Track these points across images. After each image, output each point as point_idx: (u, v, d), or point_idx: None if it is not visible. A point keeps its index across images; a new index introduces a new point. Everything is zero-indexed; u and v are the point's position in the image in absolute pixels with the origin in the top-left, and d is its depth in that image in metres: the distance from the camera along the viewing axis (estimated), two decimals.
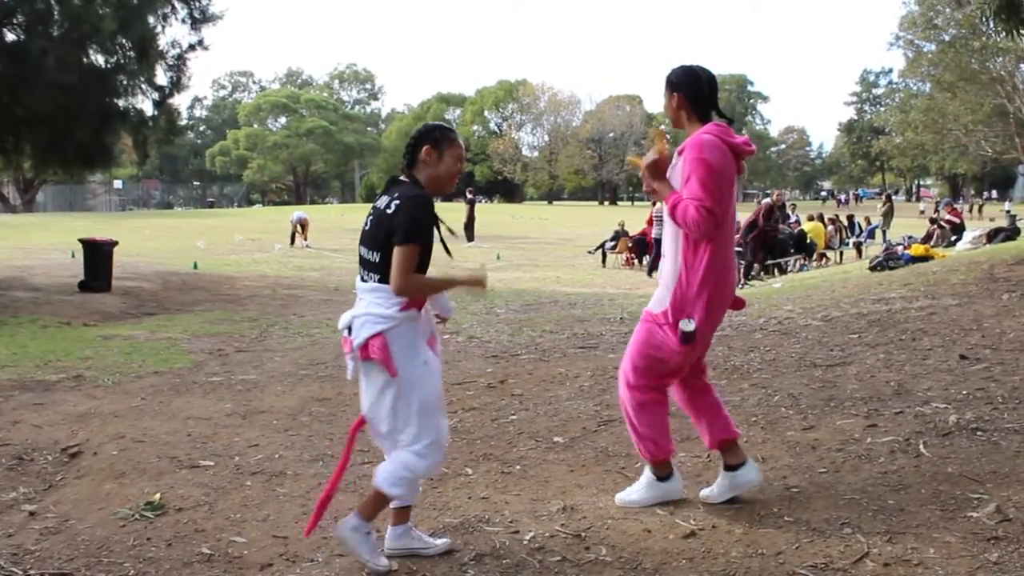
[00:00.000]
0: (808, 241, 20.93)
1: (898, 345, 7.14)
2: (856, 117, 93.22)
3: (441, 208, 3.52)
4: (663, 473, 4.06)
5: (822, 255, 22.03)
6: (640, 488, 4.10)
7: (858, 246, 23.75)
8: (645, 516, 3.94)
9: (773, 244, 19.13)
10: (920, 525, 3.64)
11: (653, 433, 3.97)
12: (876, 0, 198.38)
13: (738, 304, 4.05)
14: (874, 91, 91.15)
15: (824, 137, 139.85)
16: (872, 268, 14.20)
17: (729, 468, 4.00)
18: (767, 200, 20.82)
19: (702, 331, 3.78)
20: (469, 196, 31.29)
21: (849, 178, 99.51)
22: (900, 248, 16.69)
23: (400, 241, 3.32)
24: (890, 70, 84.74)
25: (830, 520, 3.75)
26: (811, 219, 22.79)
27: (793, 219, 23.53)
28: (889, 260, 14.30)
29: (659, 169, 3.86)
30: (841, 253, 23.15)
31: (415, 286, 3.39)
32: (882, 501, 3.90)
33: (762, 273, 18.66)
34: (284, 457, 5.09)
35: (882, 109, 77.74)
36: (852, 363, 6.66)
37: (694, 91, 3.85)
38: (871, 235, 25.34)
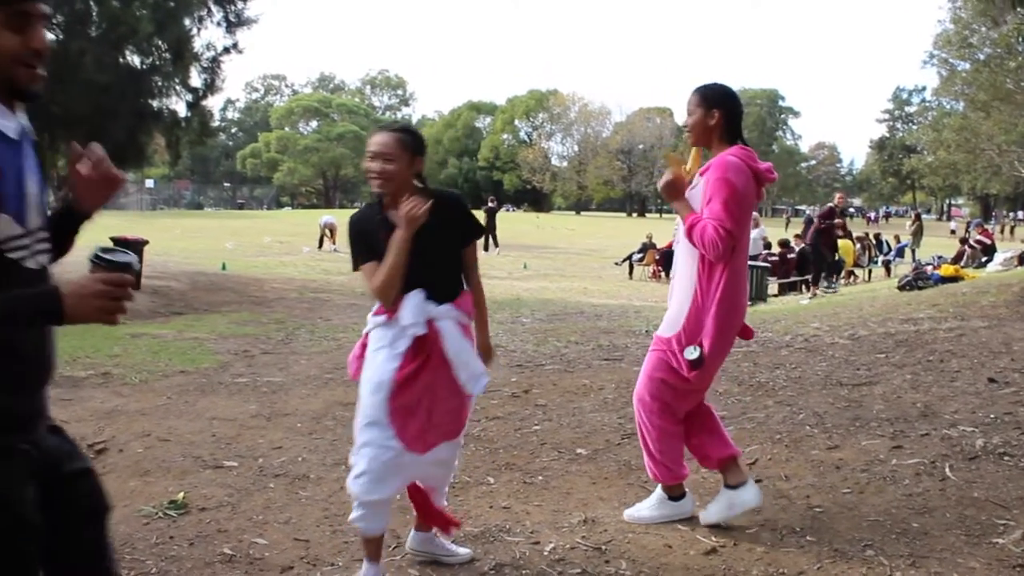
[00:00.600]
0: (837, 259, 20.82)
1: (925, 366, 7.08)
2: (888, 134, 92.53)
3: None
4: (675, 493, 4.05)
5: (850, 273, 21.90)
6: (651, 505, 4.08)
7: (887, 265, 23.60)
8: (666, 531, 3.93)
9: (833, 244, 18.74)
10: (944, 550, 3.61)
11: (667, 459, 3.94)
12: (910, 18, 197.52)
13: (747, 333, 3.99)
14: (906, 109, 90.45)
15: (855, 154, 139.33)
16: (901, 287, 14.11)
17: (730, 487, 3.96)
18: (828, 204, 20.46)
19: (712, 357, 3.75)
20: (491, 204, 31.33)
21: (880, 195, 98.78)
22: (929, 268, 16.57)
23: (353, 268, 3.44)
24: (923, 88, 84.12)
25: (853, 542, 3.72)
26: (840, 237, 22.64)
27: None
28: (918, 280, 14.20)
29: (677, 188, 3.83)
30: (870, 271, 23.01)
31: (377, 289, 3.28)
32: (906, 524, 3.87)
33: (832, 278, 18.41)
34: (307, 460, 5.11)
35: (914, 127, 77.17)
36: (878, 383, 6.61)
37: (734, 112, 3.83)
38: (900, 254, 25.18)
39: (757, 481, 4.50)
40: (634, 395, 4.06)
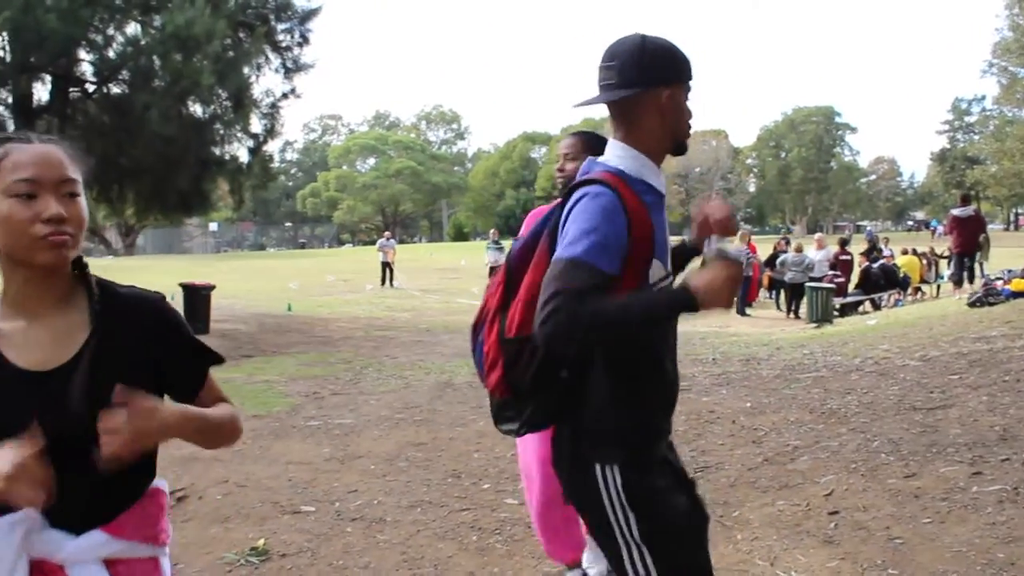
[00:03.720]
0: (902, 275, 20.54)
1: (1002, 387, 6.94)
2: (948, 146, 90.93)
3: None
4: None
5: (917, 289, 21.53)
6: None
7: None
8: (745, 565, 3.90)
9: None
10: None
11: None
12: (966, 27, 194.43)
13: None
14: (967, 119, 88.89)
15: (915, 167, 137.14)
16: (971, 304, 13.80)
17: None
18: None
19: None
20: None
21: (943, 208, 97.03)
22: (1000, 283, 16.20)
23: None
24: (983, 97, 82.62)
25: (936, 573, 3.67)
26: (905, 253, 22.35)
27: (887, 253, 23.09)
28: (989, 296, 13.88)
29: None
30: (938, 287, 22.60)
31: None
32: (991, 554, 3.80)
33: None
34: (383, 503, 5.17)
35: (976, 137, 75.86)
36: (954, 406, 6.50)
37: None
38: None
39: (834, 513, 4.47)
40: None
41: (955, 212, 17.96)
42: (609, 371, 2.18)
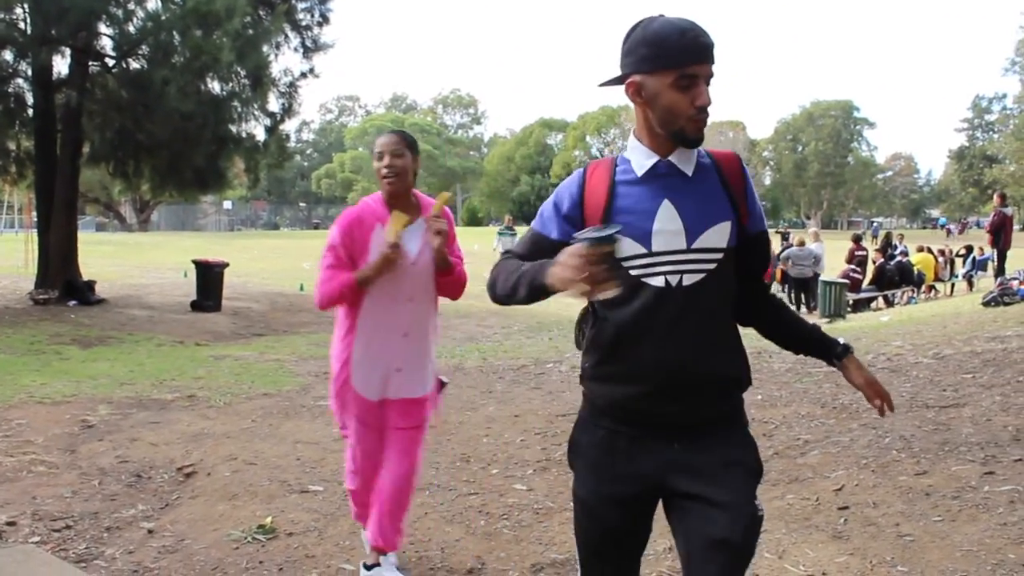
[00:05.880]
0: (916, 273, 20.46)
1: (1015, 387, 6.89)
2: (967, 144, 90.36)
3: None
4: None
5: (931, 287, 21.43)
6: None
7: (969, 279, 23.02)
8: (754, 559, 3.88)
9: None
10: None
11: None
12: (989, 24, 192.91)
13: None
14: (987, 117, 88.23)
15: (933, 164, 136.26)
16: (986, 303, 13.74)
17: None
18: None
19: None
20: None
21: (959, 206, 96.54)
22: (1015, 283, 16.10)
23: None
24: (1004, 96, 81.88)
25: (946, 572, 3.64)
26: (920, 250, 22.24)
27: (901, 249, 23.00)
28: (1004, 295, 13.81)
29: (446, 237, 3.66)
30: (952, 285, 22.49)
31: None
32: (1002, 555, 3.77)
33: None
34: None
35: (995, 136, 75.37)
36: (966, 405, 6.46)
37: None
38: (982, 267, 24.51)
39: (844, 508, 4.45)
40: (412, 465, 3.83)
41: (1004, 210, 18.00)
42: (592, 333, 2.24)
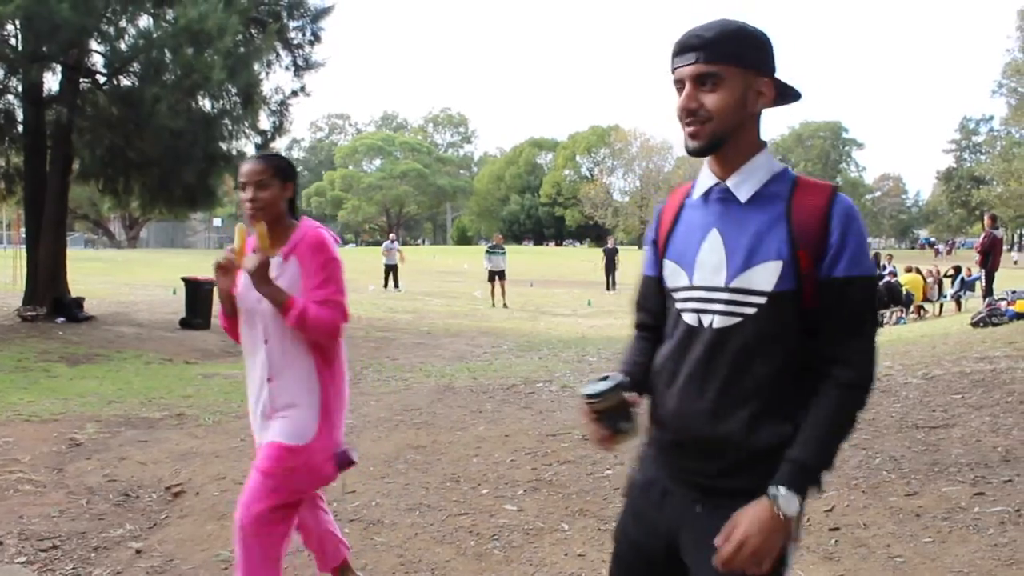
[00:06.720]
0: (905, 293, 20.53)
1: (1004, 408, 6.91)
2: (955, 165, 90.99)
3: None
4: None
5: (920, 307, 21.51)
6: None
7: (957, 299, 23.11)
8: None
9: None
10: None
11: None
12: (977, 47, 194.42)
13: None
14: (974, 139, 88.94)
15: (921, 185, 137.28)
16: (974, 324, 13.79)
17: None
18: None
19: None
20: (609, 244, 31.65)
21: (947, 227, 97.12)
22: (1004, 303, 16.17)
23: None
24: (991, 117, 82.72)
25: None
26: (908, 271, 22.33)
27: (890, 270, 23.08)
28: (992, 316, 13.86)
29: (268, 271, 3.11)
30: (940, 306, 22.56)
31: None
32: None
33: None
34: (381, 505, 5.14)
35: (983, 157, 75.87)
36: (956, 425, 6.47)
37: (297, 185, 3.40)
38: (971, 287, 24.60)
39: (835, 529, 4.44)
40: (243, 504, 3.32)
41: (995, 232, 18.22)
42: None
